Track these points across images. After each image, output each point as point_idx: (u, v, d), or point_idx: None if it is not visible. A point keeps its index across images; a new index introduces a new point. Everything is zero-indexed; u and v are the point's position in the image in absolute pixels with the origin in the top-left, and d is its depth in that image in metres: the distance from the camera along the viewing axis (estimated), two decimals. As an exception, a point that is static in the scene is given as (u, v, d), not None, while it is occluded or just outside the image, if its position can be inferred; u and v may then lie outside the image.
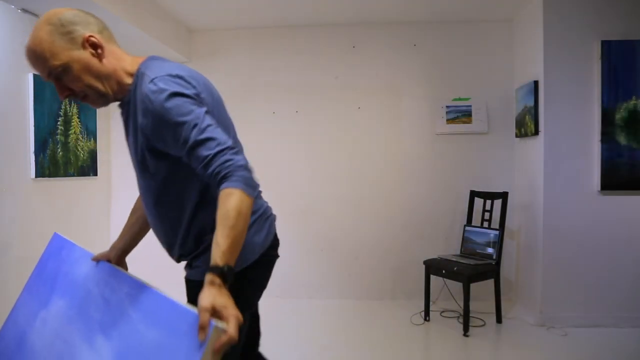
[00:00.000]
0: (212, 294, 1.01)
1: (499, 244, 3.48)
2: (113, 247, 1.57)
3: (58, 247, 1.78)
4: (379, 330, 3.40)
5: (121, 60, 1.29)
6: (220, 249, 1.07)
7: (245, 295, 1.30)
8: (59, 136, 3.66)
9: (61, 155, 3.68)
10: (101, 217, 4.30)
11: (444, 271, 3.43)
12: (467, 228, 3.75)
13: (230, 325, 0.98)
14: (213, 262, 1.06)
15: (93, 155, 4.11)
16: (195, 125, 1.16)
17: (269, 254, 1.39)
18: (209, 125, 1.17)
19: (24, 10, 2.91)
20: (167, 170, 1.30)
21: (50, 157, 3.55)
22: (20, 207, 3.29)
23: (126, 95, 1.30)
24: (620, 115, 3.32)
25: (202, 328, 0.96)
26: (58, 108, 3.66)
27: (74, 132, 3.86)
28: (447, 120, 4.10)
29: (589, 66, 3.38)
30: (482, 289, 3.65)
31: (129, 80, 1.29)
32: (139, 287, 1.28)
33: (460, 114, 4.09)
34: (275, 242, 1.43)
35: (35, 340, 1.52)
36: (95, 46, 1.23)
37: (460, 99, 4.10)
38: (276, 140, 4.27)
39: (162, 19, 3.74)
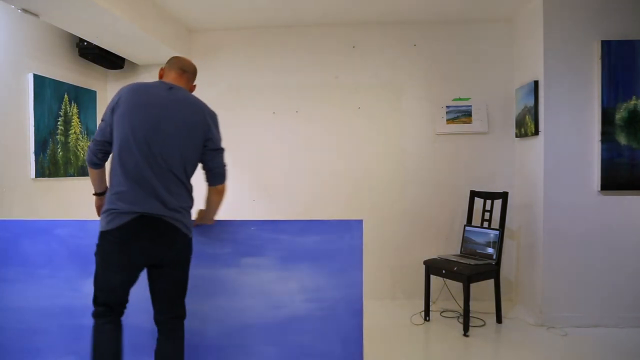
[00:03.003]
0: None
1: (499, 244, 3.49)
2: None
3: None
4: (379, 330, 3.40)
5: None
6: None
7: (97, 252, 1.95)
8: (59, 136, 3.66)
9: (61, 155, 3.68)
10: (101, 217, 4.30)
11: (444, 271, 3.43)
12: (467, 228, 3.75)
13: None
14: None
15: (93, 155, 4.10)
16: None
17: (111, 235, 1.90)
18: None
19: (24, 10, 2.91)
20: None
21: (50, 157, 3.55)
22: (20, 207, 3.29)
23: None
24: (620, 115, 3.32)
25: None
26: (58, 108, 3.66)
27: (74, 132, 3.86)
28: (447, 120, 4.10)
29: (589, 66, 3.38)
30: (482, 289, 3.65)
31: None
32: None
33: (460, 114, 4.09)
34: (118, 230, 1.89)
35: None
36: (160, 74, 2.17)
37: (460, 99, 4.11)
38: (276, 140, 4.27)
39: (162, 19, 3.74)
